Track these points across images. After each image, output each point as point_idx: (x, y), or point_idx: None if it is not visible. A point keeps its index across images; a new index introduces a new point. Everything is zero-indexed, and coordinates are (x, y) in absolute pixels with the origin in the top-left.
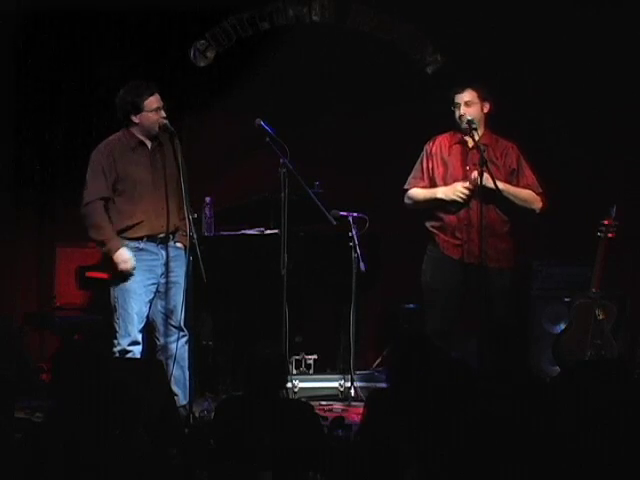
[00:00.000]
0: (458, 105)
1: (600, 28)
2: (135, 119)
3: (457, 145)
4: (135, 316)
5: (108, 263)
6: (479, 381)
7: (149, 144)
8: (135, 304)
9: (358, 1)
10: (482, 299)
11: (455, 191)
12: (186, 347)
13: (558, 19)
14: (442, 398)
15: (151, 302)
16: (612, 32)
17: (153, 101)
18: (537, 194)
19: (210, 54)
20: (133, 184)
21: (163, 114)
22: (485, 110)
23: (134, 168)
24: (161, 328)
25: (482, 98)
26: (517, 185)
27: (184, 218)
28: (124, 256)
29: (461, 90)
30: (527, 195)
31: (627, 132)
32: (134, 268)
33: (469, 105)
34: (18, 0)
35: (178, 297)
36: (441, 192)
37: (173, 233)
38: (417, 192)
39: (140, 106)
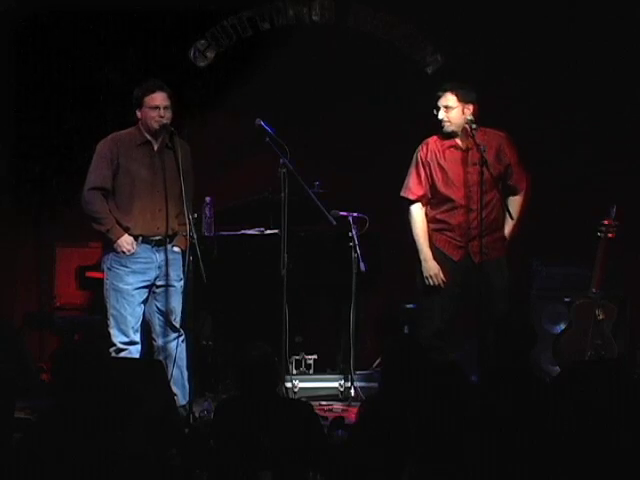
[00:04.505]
0: (439, 109)
1: (601, 26)
2: (138, 114)
3: (452, 149)
4: (128, 317)
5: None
6: (475, 382)
7: (155, 145)
8: (128, 305)
9: (358, 1)
10: (482, 297)
11: (431, 273)
12: (184, 347)
13: (559, 18)
14: (434, 400)
15: (145, 302)
16: (613, 30)
17: (154, 98)
18: (523, 192)
19: (210, 54)
20: (132, 180)
21: (162, 113)
22: (467, 113)
23: (135, 164)
24: (158, 329)
25: (463, 101)
26: (507, 178)
27: (184, 224)
28: (128, 239)
29: (441, 93)
30: (520, 208)
31: (627, 132)
32: (135, 253)
33: (449, 109)
34: (18, 0)
35: (175, 300)
36: (427, 259)
37: (171, 237)
38: (417, 228)
39: (141, 101)
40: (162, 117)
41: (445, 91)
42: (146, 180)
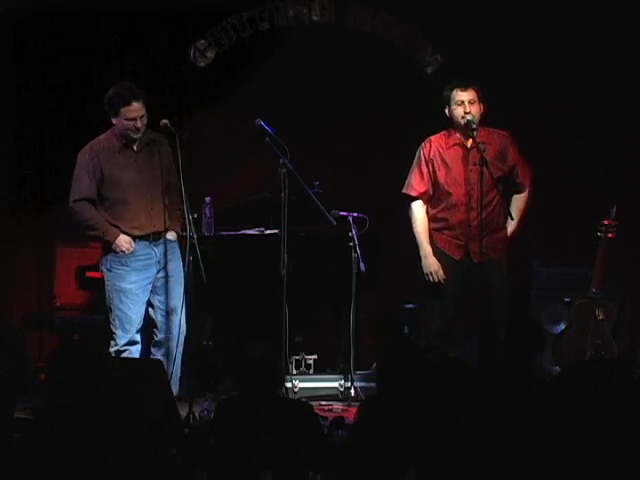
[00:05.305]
0: (461, 103)
1: (601, 26)
2: (113, 121)
3: (456, 147)
4: (133, 316)
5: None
6: (477, 381)
7: (134, 146)
8: (132, 304)
9: (358, 1)
10: (482, 297)
11: (431, 270)
12: (182, 341)
13: (559, 18)
14: (434, 399)
15: (148, 301)
16: (613, 30)
17: (130, 110)
18: (528, 191)
19: (210, 54)
20: (119, 185)
21: (138, 124)
22: (482, 111)
23: (119, 169)
24: (159, 324)
25: (480, 99)
26: (513, 180)
27: (175, 213)
28: (125, 238)
29: (464, 88)
30: (524, 205)
31: (627, 132)
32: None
33: (472, 104)
34: (18, 0)
35: (175, 291)
36: (427, 256)
37: (167, 230)
38: (418, 225)
39: (116, 110)
40: (138, 128)
41: (468, 87)
42: (134, 183)
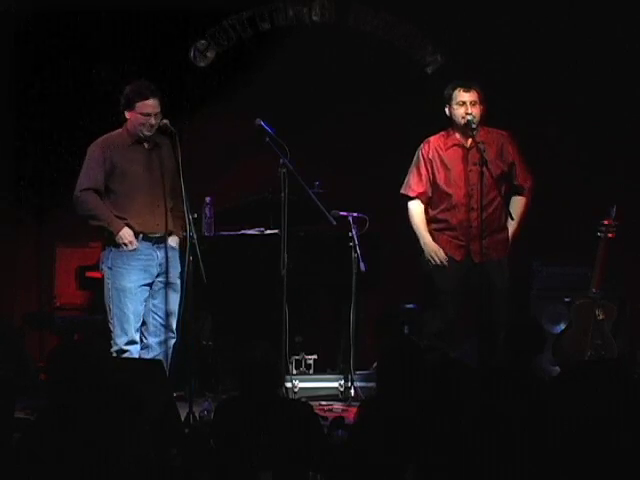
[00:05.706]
0: (462, 104)
1: (601, 26)
2: (127, 115)
3: (455, 147)
4: (131, 315)
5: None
6: (477, 381)
7: (146, 143)
8: (130, 303)
9: (358, 1)
10: (483, 297)
11: (432, 254)
12: (170, 349)
13: (559, 18)
14: (434, 399)
15: (146, 301)
16: (613, 30)
17: (146, 105)
18: (528, 191)
19: (210, 54)
20: (128, 180)
21: (152, 121)
22: (483, 112)
23: (130, 164)
24: (152, 328)
25: (482, 100)
26: (512, 179)
27: (179, 216)
28: (129, 231)
29: (467, 89)
30: (524, 209)
31: (627, 132)
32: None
33: (474, 105)
34: (18, 0)
35: (173, 298)
36: (427, 243)
37: (169, 233)
38: (416, 218)
39: (132, 104)
40: (152, 125)
41: (470, 88)
42: (143, 178)
